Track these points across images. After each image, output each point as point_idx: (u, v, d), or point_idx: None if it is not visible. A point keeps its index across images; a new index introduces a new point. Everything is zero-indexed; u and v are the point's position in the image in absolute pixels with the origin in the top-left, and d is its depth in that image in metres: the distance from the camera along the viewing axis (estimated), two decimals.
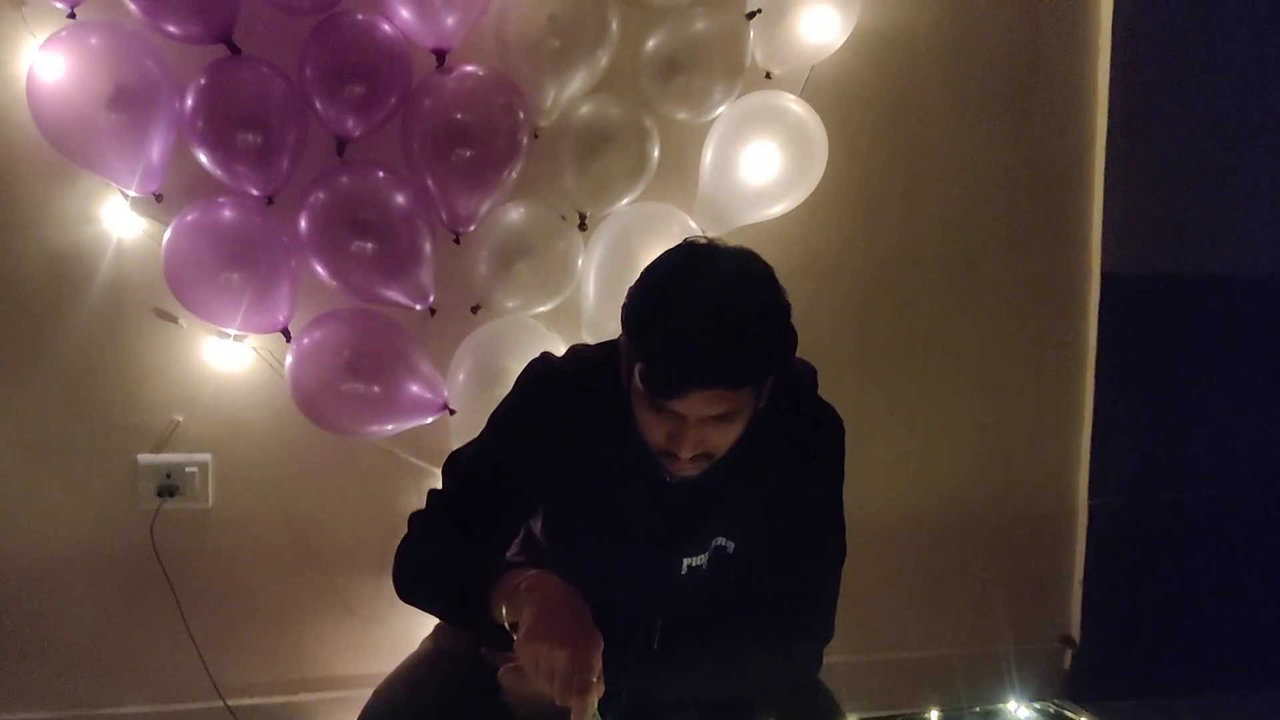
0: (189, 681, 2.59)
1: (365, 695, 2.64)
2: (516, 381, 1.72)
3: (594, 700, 1.29)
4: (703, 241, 1.55)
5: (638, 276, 1.54)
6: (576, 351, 1.74)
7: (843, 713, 1.68)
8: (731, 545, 1.68)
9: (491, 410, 2.48)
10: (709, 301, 1.46)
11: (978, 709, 1.65)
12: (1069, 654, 3.19)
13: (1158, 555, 3.20)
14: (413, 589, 1.68)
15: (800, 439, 1.68)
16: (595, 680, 1.31)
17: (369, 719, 1.65)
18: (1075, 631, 3.19)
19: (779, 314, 1.51)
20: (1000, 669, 3.00)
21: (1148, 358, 3.13)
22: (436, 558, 1.64)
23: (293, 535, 2.67)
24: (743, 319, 1.45)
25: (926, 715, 1.62)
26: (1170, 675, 3.17)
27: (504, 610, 1.43)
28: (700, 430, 1.50)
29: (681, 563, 1.67)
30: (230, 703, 2.60)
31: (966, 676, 2.91)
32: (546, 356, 1.74)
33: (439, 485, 2.65)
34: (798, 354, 1.74)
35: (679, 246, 1.55)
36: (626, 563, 1.68)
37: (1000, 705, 1.66)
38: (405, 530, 2.68)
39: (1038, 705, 1.67)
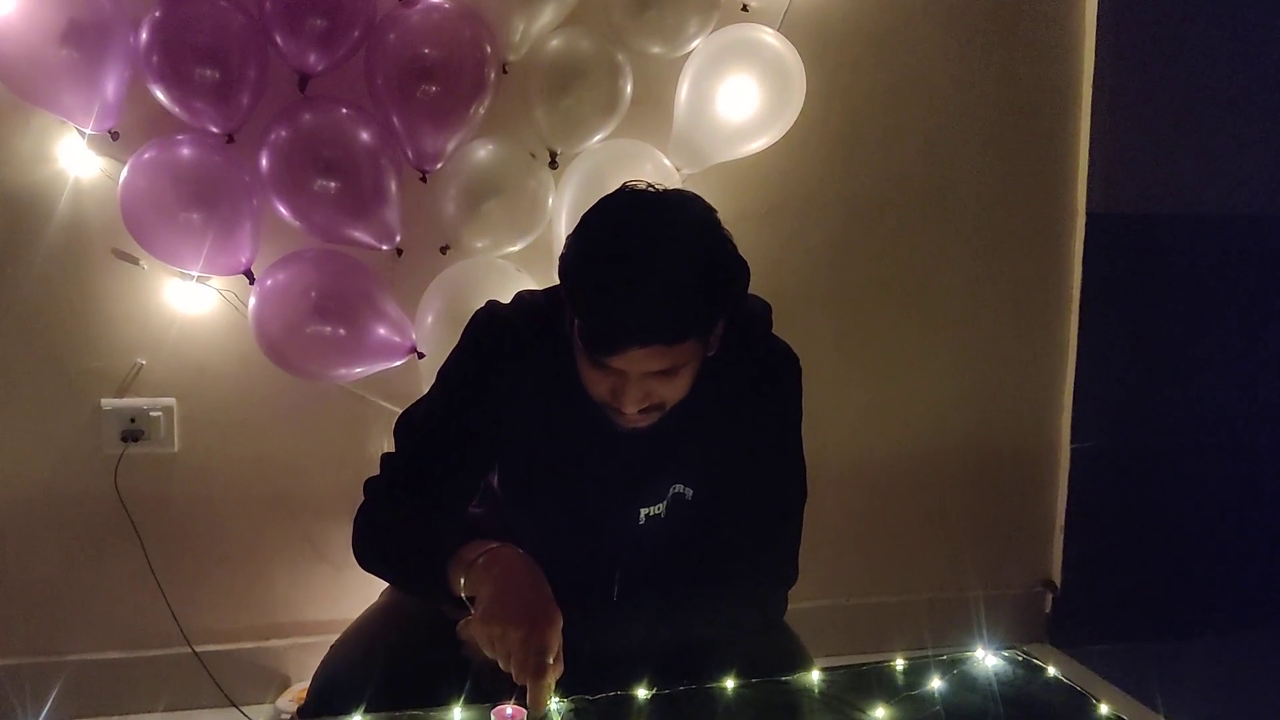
0: (157, 628, 2.57)
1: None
2: (463, 333, 1.66)
3: (550, 681, 1.27)
4: (642, 187, 1.48)
5: (575, 225, 1.48)
6: (523, 299, 1.67)
7: (809, 658, 1.65)
8: (690, 492, 1.64)
9: None
10: (645, 254, 1.39)
11: (945, 656, 1.61)
12: (1050, 598, 3.19)
13: (1140, 499, 3.18)
14: (372, 561, 1.63)
15: (755, 379, 1.63)
16: (551, 662, 1.28)
17: (327, 672, 1.62)
18: (1056, 575, 3.18)
19: (721, 263, 1.44)
20: (981, 613, 3.01)
21: (1132, 299, 3.08)
22: (393, 529, 1.60)
23: (261, 480, 2.63)
24: (680, 272, 1.39)
25: (892, 662, 1.58)
26: (1151, 619, 3.17)
27: (462, 583, 1.40)
28: (644, 384, 1.45)
29: (639, 513, 1.63)
30: (198, 648, 2.58)
31: (947, 621, 2.91)
32: (492, 305, 1.67)
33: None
34: (776, 296, 1.70)
35: (616, 193, 1.48)
36: (583, 515, 1.64)
37: (968, 653, 1.62)
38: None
39: (1006, 653, 1.63)
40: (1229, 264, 3.13)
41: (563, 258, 1.45)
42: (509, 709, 1.41)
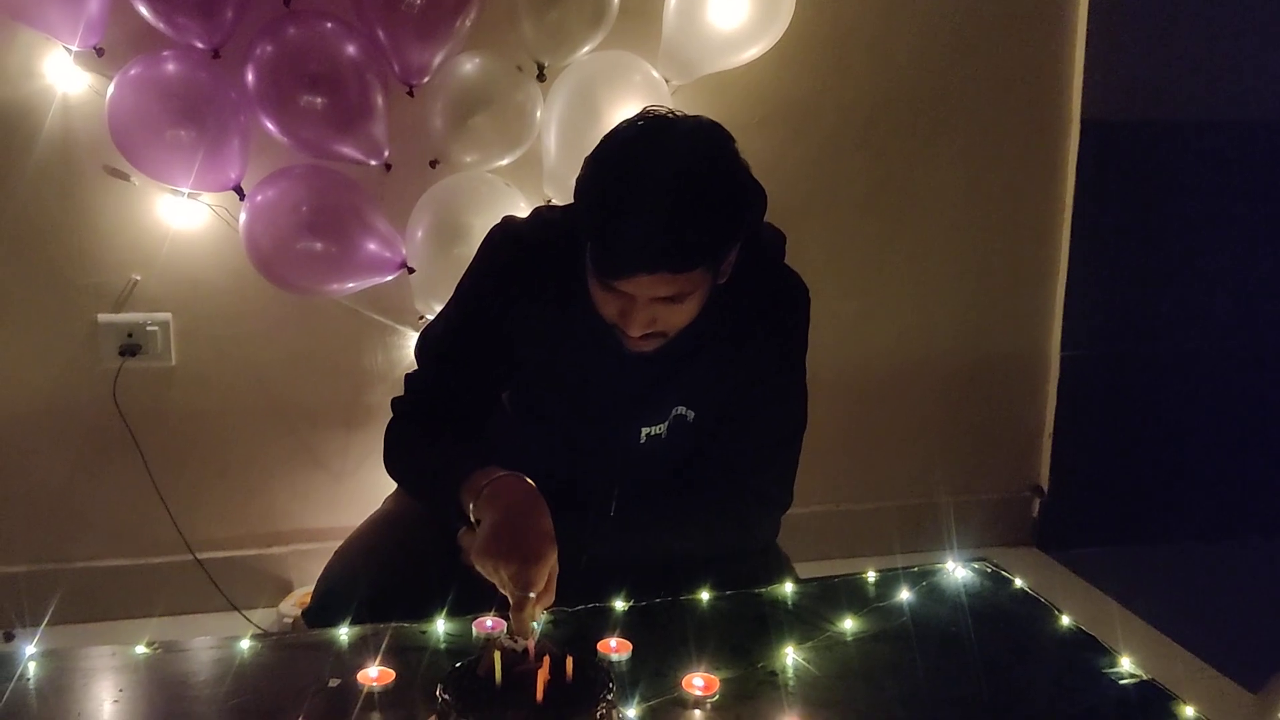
0: (160, 536, 2.64)
1: (336, 547, 2.72)
2: (478, 249, 1.69)
3: (529, 612, 1.32)
4: (661, 112, 1.48)
5: (597, 144, 1.49)
6: (540, 214, 1.69)
7: (790, 572, 1.70)
8: (692, 414, 1.66)
9: (452, 270, 2.46)
10: (657, 181, 1.40)
11: (915, 568, 1.65)
12: (1037, 503, 3.24)
13: (1128, 406, 3.22)
14: (398, 477, 1.72)
15: (764, 308, 1.65)
16: (534, 596, 1.32)
17: (329, 580, 1.67)
18: (1044, 481, 3.23)
19: (733, 192, 1.45)
20: (970, 518, 3.06)
21: (1125, 207, 3.08)
22: (414, 450, 1.66)
23: (259, 392, 2.68)
24: (692, 200, 1.39)
25: (864, 574, 1.63)
26: (1137, 523, 3.23)
27: (471, 509, 1.45)
28: (650, 310, 1.47)
29: (640, 431, 1.66)
30: (201, 556, 2.65)
31: (935, 526, 2.96)
32: (508, 220, 1.70)
33: (401, 340, 2.66)
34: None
35: (636, 117, 1.48)
36: (587, 430, 1.67)
37: (938, 565, 1.66)
38: (370, 389, 2.71)
39: (975, 565, 1.68)
40: (1223, 171, 3.11)
41: (578, 179, 1.47)
42: (489, 620, 1.47)
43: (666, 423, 1.66)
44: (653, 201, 1.39)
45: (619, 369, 1.61)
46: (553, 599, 1.37)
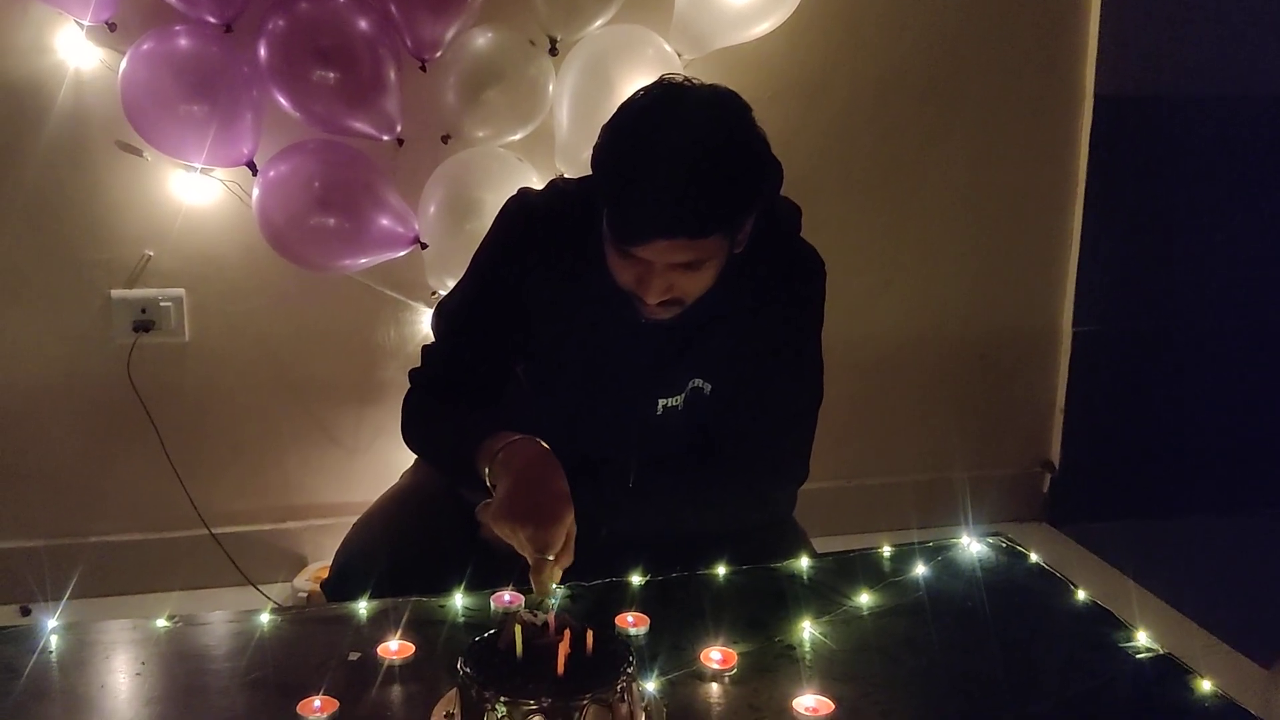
0: (176, 511, 2.65)
1: (350, 522, 2.72)
2: (494, 221, 1.69)
3: (548, 574, 1.32)
4: (678, 79, 1.48)
5: (613, 113, 1.49)
6: (555, 186, 1.70)
7: (806, 546, 1.70)
8: (708, 387, 1.67)
9: (465, 245, 2.45)
10: (675, 147, 1.40)
11: (930, 543, 1.66)
12: (1048, 478, 3.24)
13: (1139, 382, 3.22)
14: (416, 448, 1.74)
15: (781, 281, 1.65)
16: (552, 557, 1.33)
17: (347, 553, 1.68)
18: (1055, 456, 3.24)
19: (751, 160, 1.45)
20: (979, 493, 3.06)
21: (1138, 183, 3.06)
22: (431, 420, 1.67)
23: (272, 368, 2.68)
24: (709, 165, 1.40)
25: (879, 549, 1.63)
26: (1146, 499, 3.23)
27: (487, 474, 1.45)
28: (667, 276, 1.47)
29: (657, 403, 1.66)
30: (216, 530, 2.66)
31: (945, 501, 2.97)
32: (523, 192, 1.70)
33: (414, 316, 2.66)
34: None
35: (652, 85, 1.48)
36: (603, 402, 1.67)
37: (953, 540, 1.67)
38: (383, 364, 2.71)
39: (990, 539, 1.68)
40: (1238, 147, 3.10)
41: (595, 146, 1.47)
42: (507, 594, 1.47)
43: (683, 395, 1.66)
44: (671, 167, 1.39)
45: (635, 340, 1.61)
46: (571, 560, 1.37)
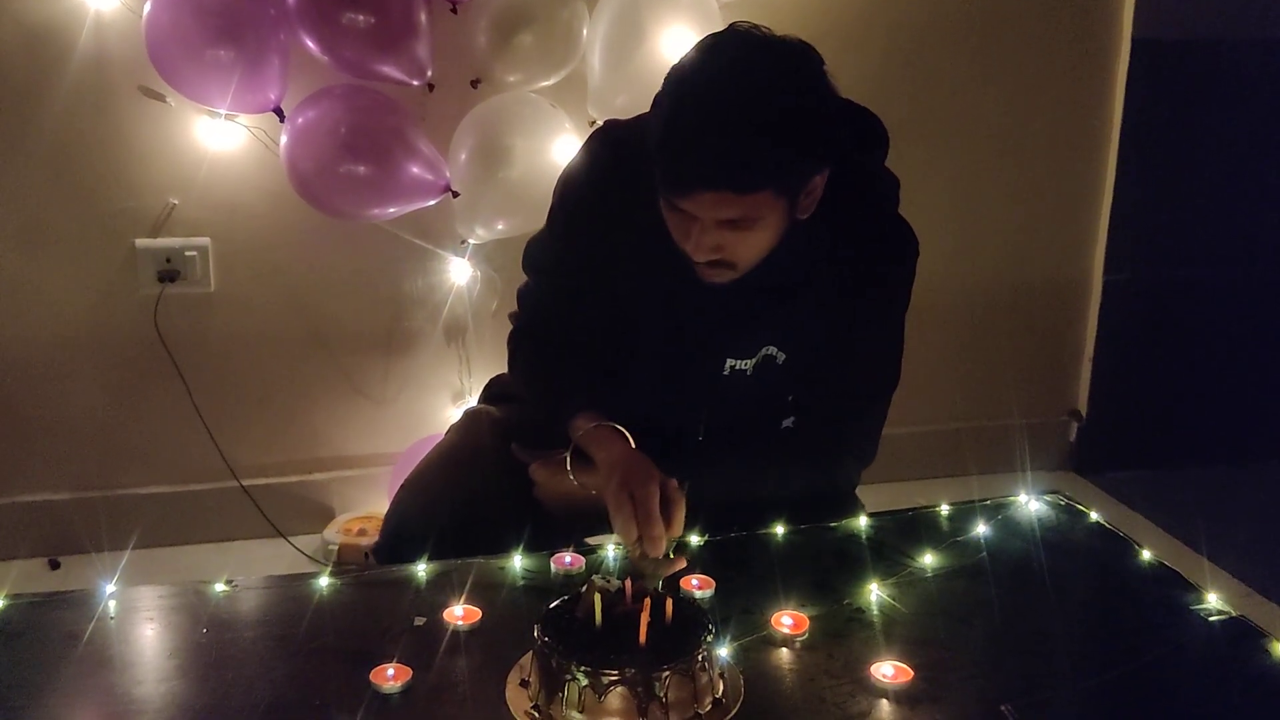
0: (203, 463, 2.62)
1: (378, 474, 2.71)
2: (580, 150, 1.62)
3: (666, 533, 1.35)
4: (747, 28, 1.40)
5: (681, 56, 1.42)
6: (641, 121, 1.54)
7: (860, 506, 1.67)
8: (782, 356, 1.60)
9: (496, 194, 2.41)
10: (730, 96, 1.33)
11: (989, 501, 1.64)
12: (1075, 427, 3.23)
13: (1168, 332, 3.19)
14: (520, 389, 1.75)
15: (871, 257, 1.57)
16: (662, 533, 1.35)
17: (399, 512, 1.65)
18: (1083, 406, 3.22)
19: (808, 115, 1.37)
20: (1009, 442, 3.05)
21: (1174, 129, 3.02)
22: (527, 369, 1.70)
23: (298, 319, 2.65)
24: (762, 119, 1.32)
25: (938, 507, 1.61)
26: (1173, 448, 3.22)
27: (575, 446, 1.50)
28: (716, 234, 1.41)
29: (725, 363, 1.60)
30: (245, 483, 2.64)
31: (975, 450, 2.94)
32: (610, 125, 1.63)
33: (442, 265, 2.63)
34: None
35: (723, 31, 1.42)
36: (672, 356, 1.61)
37: (1011, 498, 1.65)
38: (410, 314, 2.68)
39: (1048, 497, 1.66)
40: (1276, 93, 3.04)
41: (660, 90, 1.41)
42: (568, 556, 1.45)
43: (754, 360, 1.60)
44: (723, 117, 1.33)
45: (710, 297, 1.53)
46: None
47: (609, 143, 1.59)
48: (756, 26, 1.40)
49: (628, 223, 1.53)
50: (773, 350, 1.59)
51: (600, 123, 1.97)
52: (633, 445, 1.47)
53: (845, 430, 1.64)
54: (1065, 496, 1.67)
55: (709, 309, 1.55)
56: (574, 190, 1.60)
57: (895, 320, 1.64)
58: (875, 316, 1.61)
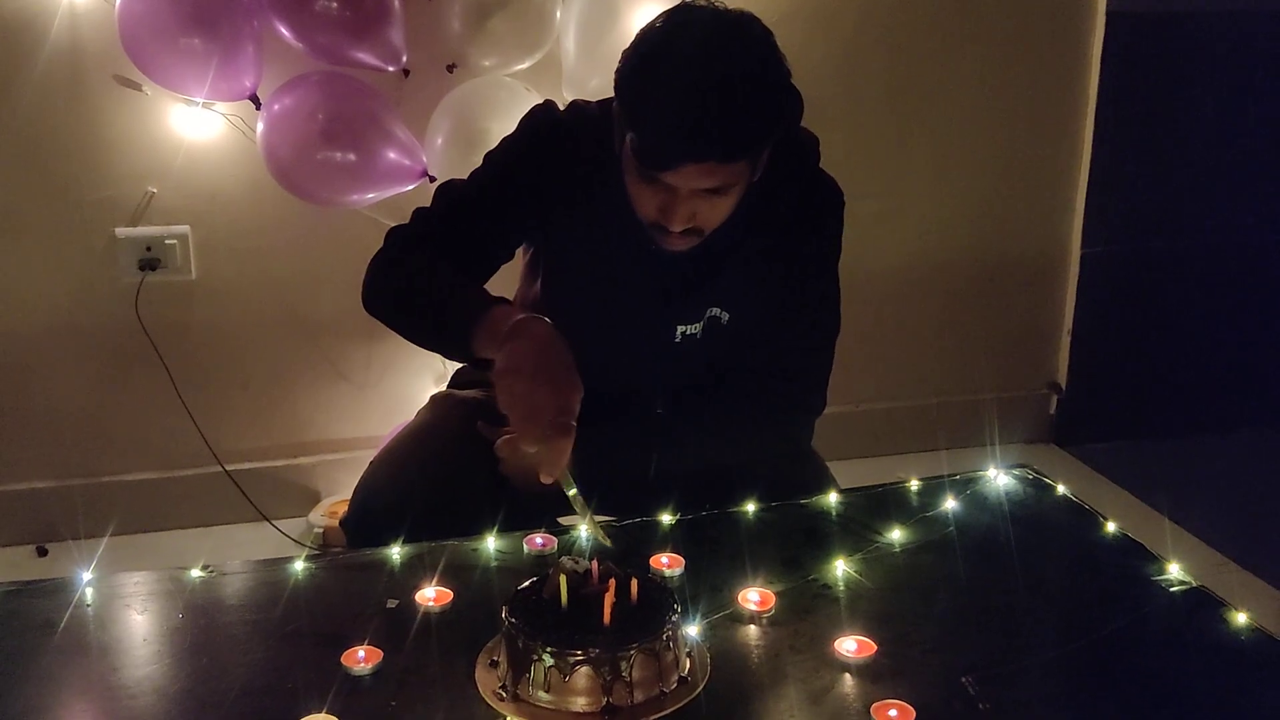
0: (187, 449, 2.64)
1: (362, 457, 2.70)
2: (519, 124, 1.65)
3: (569, 445, 1.31)
4: (700, 3, 1.46)
5: (633, 38, 1.46)
6: (578, 106, 1.66)
7: (832, 482, 1.70)
8: (726, 316, 1.65)
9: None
10: (703, 71, 1.38)
11: (957, 476, 1.66)
12: (1055, 399, 3.25)
13: (1147, 304, 3.22)
14: (383, 303, 1.61)
15: (800, 212, 1.64)
16: (573, 424, 1.31)
17: (365, 491, 1.66)
18: (1062, 378, 3.24)
19: (778, 82, 1.44)
20: (987, 415, 3.07)
21: (1149, 102, 3.03)
22: (416, 274, 1.57)
23: (280, 305, 2.66)
24: (740, 87, 1.38)
25: (907, 483, 1.63)
26: (1154, 419, 3.24)
27: (486, 346, 1.41)
28: (691, 203, 1.46)
29: (675, 330, 1.65)
30: (230, 468, 2.66)
31: (954, 424, 2.98)
32: (550, 104, 1.67)
33: None
34: None
35: (676, 9, 1.46)
36: (621, 327, 1.66)
37: (980, 473, 1.67)
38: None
39: (1016, 471, 1.69)
40: (1250, 65, 3.06)
41: (619, 69, 1.45)
42: (539, 538, 1.47)
43: (701, 323, 1.65)
44: (699, 89, 1.38)
45: (651, 267, 1.60)
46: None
47: (550, 119, 1.63)
48: (709, 2, 1.45)
49: (564, 199, 1.59)
50: (717, 311, 1.64)
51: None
52: (555, 334, 1.39)
53: (794, 384, 1.68)
54: (1033, 470, 1.69)
55: (652, 278, 1.61)
56: (511, 153, 1.63)
57: (831, 271, 1.69)
58: (812, 269, 1.67)
